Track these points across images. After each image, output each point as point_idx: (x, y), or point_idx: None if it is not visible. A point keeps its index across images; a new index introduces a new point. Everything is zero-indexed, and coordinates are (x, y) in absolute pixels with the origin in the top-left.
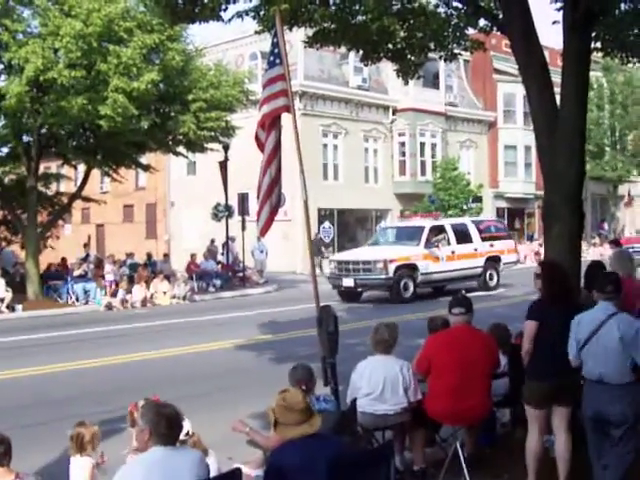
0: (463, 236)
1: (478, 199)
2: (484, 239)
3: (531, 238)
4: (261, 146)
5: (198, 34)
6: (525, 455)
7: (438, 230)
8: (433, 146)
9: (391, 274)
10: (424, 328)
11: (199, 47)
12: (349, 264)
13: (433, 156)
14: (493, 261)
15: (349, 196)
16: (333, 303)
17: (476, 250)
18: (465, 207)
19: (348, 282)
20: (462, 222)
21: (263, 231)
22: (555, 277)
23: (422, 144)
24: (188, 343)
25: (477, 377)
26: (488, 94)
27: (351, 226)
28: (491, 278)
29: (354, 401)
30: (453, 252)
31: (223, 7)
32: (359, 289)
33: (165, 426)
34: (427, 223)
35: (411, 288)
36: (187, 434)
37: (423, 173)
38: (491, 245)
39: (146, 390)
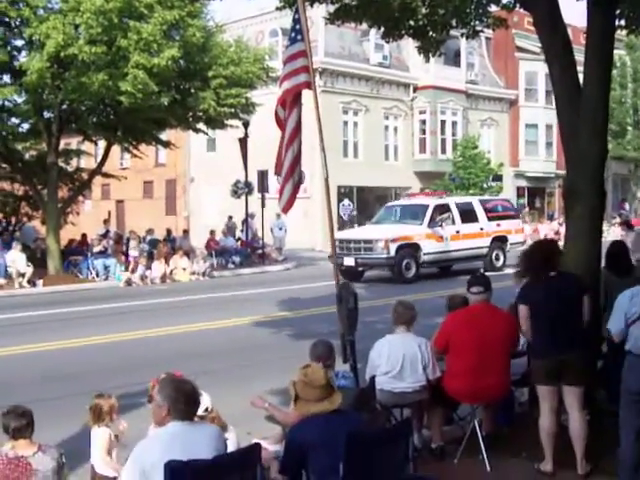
0: (469, 215)
1: (498, 178)
2: (490, 218)
3: (551, 217)
4: (280, 123)
5: (218, 10)
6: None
7: (443, 209)
8: (454, 124)
9: (392, 253)
10: (439, 307)
11: (219, 23)
12: (350, 243)
13: (453, 134)
14: (500, 241)
15: (369, 174)
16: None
17: (482, 230)
18: (485, 186)
19: (349, 261)
20: (468, 201)
21: (286, 209)
22: (537, 255)
23: (442, 122)
24: (207, 319)
25: (496, 356)
26: (510, 72)
27: (371, 204)
28: (497, 258)
29: (373, 378)
30: (458, 231)
31: None
32: (360, 268)
33: (183, 402)
34: (431, 202)
35: (413, 268)
36: (206, 410)
37: (443, 151)
38: (498, 225)
39: (164, 365)
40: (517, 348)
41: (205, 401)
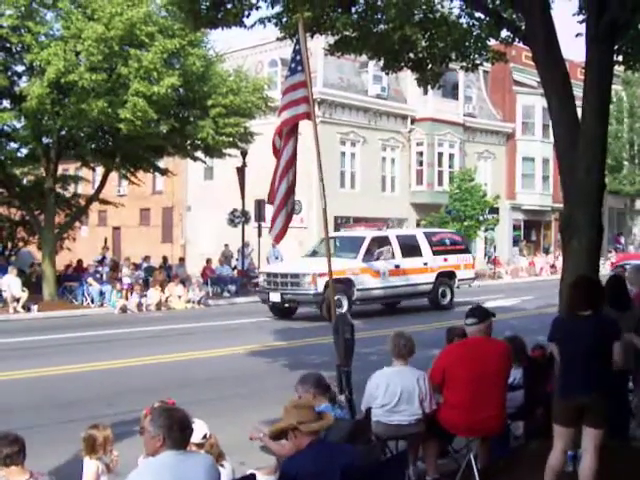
0: (411, 249)
1: (495, 210)
2: (436, 252)
3: (547, 250)
4: (277, 153)
5: (218, 40)
6: (543, 469)
7: (381, 242)
8: (451, 156)
9: (320, 289)
10: (437, 338)
11: (219, 53)
12: (277, 277)
13: (450, 166)
14: (446, 277)
15: (366, 204)
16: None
17: (426, 264)
18: (481, 218)
19: (275, 297)
20: (411, 234)
21: (278, 238)
22: (579, 291)
23: (440, 154)
24: (202, 348)
25: (492, 389)
26: (507, 105)
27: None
28: (444, 295)
29: (369, 410)
30: (397, 266)
31: (246, 13)
32: (286, 305)
33: (178, 429)
34: (368, 234)
35: (345, 305)
36: (204, 437)
37: (440, 183)
38: (444, 260)
39: (159, 393)
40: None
41: (202, 428)
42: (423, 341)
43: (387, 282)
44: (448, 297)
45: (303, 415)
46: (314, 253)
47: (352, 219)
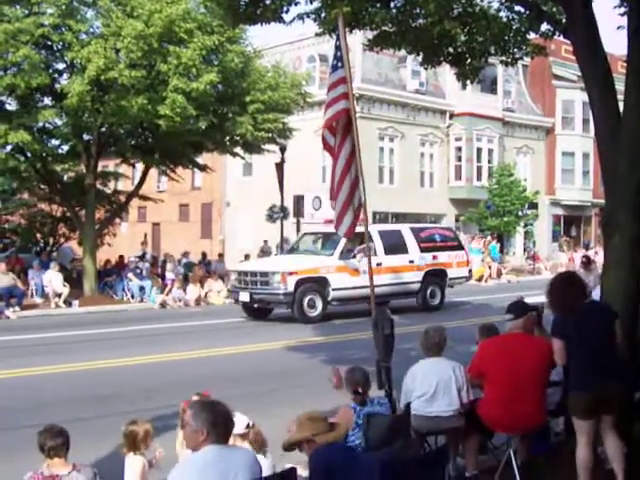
0: (395, 245)
1: (534, 206)
2: (424, 249)
3: (587, 246)
4: (329, 148)
5: (257, 36)
6: (576, 466)
7: (362, 237)
8: (490, 151)
9: (291, 289)
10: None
11: (258, 49)
12: (247, 275)
13: (489, 161)
14: (436, 276)
15: (404, 200)
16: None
17: (412, 262)
18: (521, 214)
19: (244, 296)
20: (395, 229)
21: (348, 234)
22: (567, 287)
23: (479, 149)
24: (240, 343)
25: (530, 385)
26: (547, 100)
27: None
28: (433, 295)
29: (408, 405)
30: (379, 264)
31: (285, 9)
32: (255, 305)
33: (222, 424)
34: None
35: (319, 306)
36: (247, 427)
37: (479, 178)
38: (434, 257)
39: (197, 388)
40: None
41: (243, 419)
42: (462, 337)
43: (367, 281)
44: (438, 297)
45: (317, 427)
46: (293, 250)
47: (390, 215)
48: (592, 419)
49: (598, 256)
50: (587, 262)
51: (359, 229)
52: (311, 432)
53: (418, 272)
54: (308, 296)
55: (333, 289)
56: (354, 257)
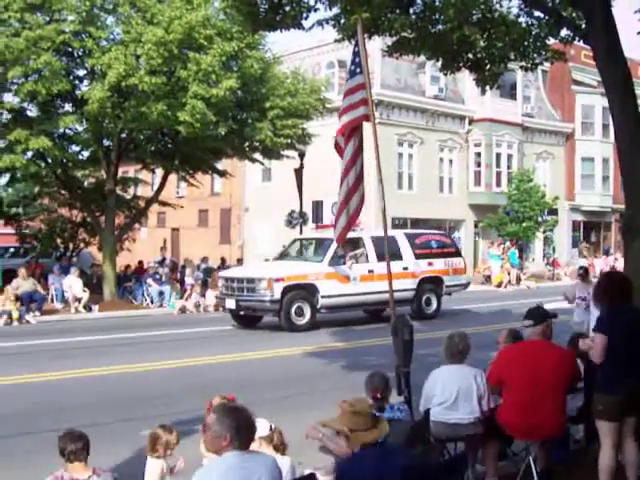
0: (388, 252)
1: (554, 211)
2: (419, 256)
3: (607, 252)
4: (341, 153)
5: (276, 42)
6: (598, 472)
7: (353, 244)
8: (509, 157)
9: (277, 296)
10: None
11: (277, 55)
12: (233, 282)
13: (509, 167)
14: (431, 283)
15: (423, 206)
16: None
17: (406, 269)
18: (540, 219)
19: (230, 303)
20: (389, 235)
21: (339, 239)
22: (615, 286)
23: (498, 155)
24: (259, 348)
25: (549, 393)
26: (566, 105)
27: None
28: (428, 304)
29: (427, 411)
30: (371, 271)
31: (304, 15)
32: (242, 312)
33: (245, 431)
34: None
35: (307, 314)
36: (270, 429)
37: (498, 184)
38: (429, 264)
39: (216, 393)
40: (577, 384)
41: (265, 422)
42: (482, 343)
43: (358, 288)
44: (434, 305)
45: (357, 423)
46: (283, 256)
47: (409, 220)
48: (618, 422)
49: (618, 262)
50: (585, 274)
51: (352, 235)
52: (349, 427)
53: (412, 279)
54: (296, 304)
55: (322, 296)
56: (344, 263)
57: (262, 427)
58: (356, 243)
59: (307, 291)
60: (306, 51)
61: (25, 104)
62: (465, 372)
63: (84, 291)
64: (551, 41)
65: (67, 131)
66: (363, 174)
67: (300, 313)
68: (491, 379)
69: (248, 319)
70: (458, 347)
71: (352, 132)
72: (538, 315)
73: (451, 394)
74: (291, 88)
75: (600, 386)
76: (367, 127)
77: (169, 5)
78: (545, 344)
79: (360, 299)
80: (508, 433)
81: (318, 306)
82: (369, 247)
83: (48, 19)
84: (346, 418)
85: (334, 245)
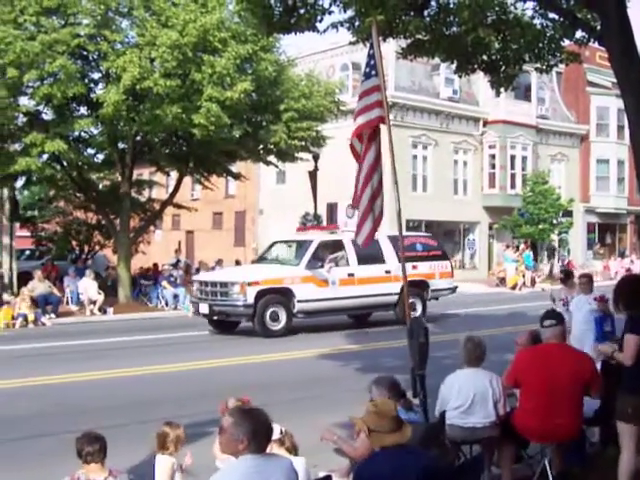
0: (371, 255)
1: (568, 213)
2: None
3: (623, 254)
4: (357, 156)
5: (290, 44)
6: (617, 475)
7: (334, 247)
8: (523, 159)
9: (250, 300)
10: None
11: (291, 57)
12: (207, 286)
13: (523, 169)
14: (416, 287)
15: (437, 208)
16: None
17: (389, 273)
18: (555, 221)
19: (204, 308)
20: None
21: (365, 243)
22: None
23: (512, 157)
24: (274, 350)
25: (567, 396)
26: (581, 107)
27: (439, 238)
28: (413, 308)
29: (443, 413)
30: (351, 275)
31: (319, 18)
32: (215, 317)
33: (262, 434)
34: (317, 237)
35: (283, 319)
36: (281, 432)
37: (513, 186)
38: (414, 267)
39: (232, 395)
40: (598, 390)
41: (275, 426)
42: (497, 345)
43: (337, 293)
44: (419, 310)
45: (381, 425)
46: (261, 259)
47: (424, 222)
48: None
49: (634, 264)
50: (566, 277)
51: (329, 237)
52: (371, 427)
53: (395, 283)
54: (271, 308)
55: (299, 301)
56: (322, 267)
57: (275, 428)
58: (336, 246)
59: (283, 295)
60: (320, 53)
61: (41, 107)
62: (481, 376)
63: (99, 293)
64: (566, 43)
65: (82, 134)
66: (382, 178)
67: (275, 318)
68: (509, 382)
69: (223, 324)
70: (475, 353)
71: (372, 135)
72: (557, 316)
73: (467, 398)
74: (305, 90)
75: (625, 387)
76: (382, 129)
77: (184, 8)
78: (564, 348)
79: (340, 304)
80: (524, 436)
81: (294, 311)
82: (349, 250)
83: (63, 23)
84: (371, 418)
85: (312, 248)
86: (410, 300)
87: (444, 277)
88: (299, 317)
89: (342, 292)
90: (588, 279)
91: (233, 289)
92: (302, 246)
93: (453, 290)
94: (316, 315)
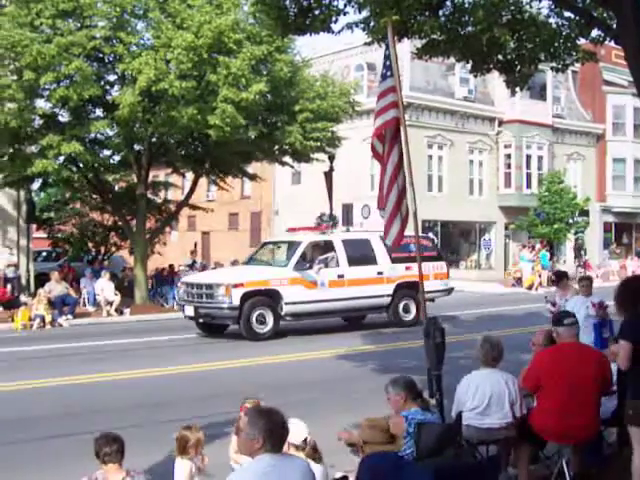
0: (362, 256)
1: (585, 213)
2: (396, 260)
3: (639, 254)
4: (379, 157)
5: (305, 45)
6: (632, 477)
7: (323, 247)
8: (539, 158)
9: (236, 302)
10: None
11: (306, 58)
12: (193, 288)
13: (539, 169)
14: (409, 289)
15: (453, 208)
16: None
17: (381, 274)
18: (571, 221)
19: (189, 310)
20: (363, 238)
21: (395, 243)
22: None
23: (528, 156)
24: (291, 351)
25: (585, 396)
26: (597, 106)
27: (455, 238)
28: (406, 310)
29: (459, 414)
30: (341, 276)
31: (334, 19)
32: (201, 320)
33: (277, 434)
34: (306, 238)
35: (270, 322)
36: (304, 441)
37: (529, 186)
38: (407, 268)
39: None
40: (610, 389)
41: (303, 431)
42: (513, 345)
43: (326, 295)
44: (412, 312)
45: (374, 436)
46: (250, 261)
47: (440, 223)
48: None
49: None
50: (558, 279)
51: (319, 238)
52: (364, 439)
53: (388, 285)
54: (257, 311)
55: (286, 303)
56: (310, 268)
57: (298, 434)
58: (325, 247)
59: (270, 297)
60: (335, 54)
61: (57, 109)
62: (497, 377)
63: (115, 294)
64: (581, 41)
65: (98, 136)
66: (410, 179)
67: (262, 321)
68: (528, 383)
69: (212, 327)
70: (492, 354)
71: (395, 136)
72: (574, 315)
73: (483, 399)
74: (320, 91)
75: (632, 391)
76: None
77: (199, 10)
78: (583, 347)
79: (329, 306)
80: (542, 436)
81: (282, 313)
82: (340, 251)
83: (79, 25)
84: (365, 432)
85: (301, 249)
86: (403, 302)
87: (439, 278)
88: (287, 320)
89: (332, 294)
90: (589, 282)
91: (218, 291)
92: (291, 247)
93: (448, 291)
94: (305, 317)
